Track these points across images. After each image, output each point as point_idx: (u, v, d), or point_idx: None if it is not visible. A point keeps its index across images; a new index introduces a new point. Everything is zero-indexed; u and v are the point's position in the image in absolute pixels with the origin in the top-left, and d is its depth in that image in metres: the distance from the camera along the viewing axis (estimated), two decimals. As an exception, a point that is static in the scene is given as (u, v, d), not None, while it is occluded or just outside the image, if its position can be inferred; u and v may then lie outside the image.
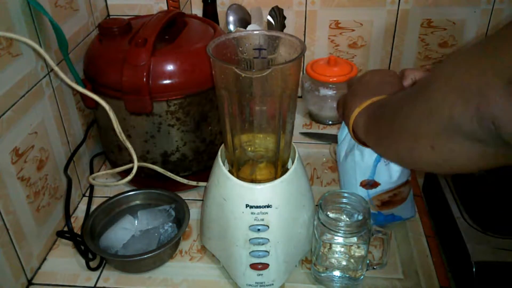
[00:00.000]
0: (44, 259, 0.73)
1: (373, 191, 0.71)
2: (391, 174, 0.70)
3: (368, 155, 0.68)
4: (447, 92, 0.39)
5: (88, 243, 0.68)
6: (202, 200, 0.74)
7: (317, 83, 1.00)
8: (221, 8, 1.02)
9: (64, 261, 0.72)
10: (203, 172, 0.83)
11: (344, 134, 0.72)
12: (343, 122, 0.70)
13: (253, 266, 0.63)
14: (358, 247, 0.64)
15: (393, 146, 0.50)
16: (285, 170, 0.64)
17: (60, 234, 0.74)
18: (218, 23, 0.96)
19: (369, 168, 0.69)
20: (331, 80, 0.98)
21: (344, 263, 0.66)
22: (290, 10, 1.03)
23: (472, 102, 0.35)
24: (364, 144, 0.63)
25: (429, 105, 0.41)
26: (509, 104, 0.33)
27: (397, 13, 1.03)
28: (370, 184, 0.70)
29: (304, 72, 1.04)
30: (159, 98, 0.73)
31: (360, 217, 0.64)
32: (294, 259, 0.67)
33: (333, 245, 0.65)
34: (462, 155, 0.40)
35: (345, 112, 0.64)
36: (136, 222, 0.75)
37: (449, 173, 0.44)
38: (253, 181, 0.62)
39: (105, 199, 0.76)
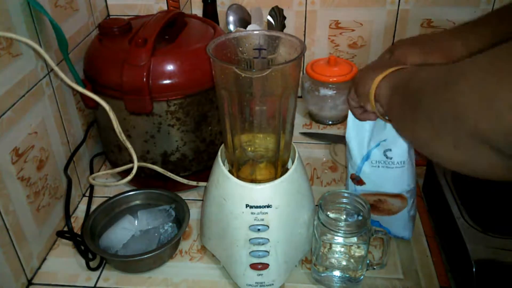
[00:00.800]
0: (44, 259, 0.73)
1: (360, 188, 0.70)
2: (375, 178, 0.69)
3: (358, 152, 0.68)
4: (474, 100, 0.35)
5: (88, 243, 0.68)
6: (202, 200, 0.74)
7: (317, 83, 1.00)
8: (221, 8, 1.02)
9: (64, 261, 0.72)
10: (203, 172, 0.83)
11: (350, 125, 0.70)
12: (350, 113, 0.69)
13: (253, 266, 0.63)
14: (358, 247, 0.64)
15: (414, 133, 0.46)
16: (285, 170, 0.64)
17: (60, 234, 0.74)
18: (218, 23, 0.96)
19: (355, 165, 0.69)
20: (331, 80, 0.98)
21: (344, 263, 0.66)
22: (290, 10, 1.03)
23: (505, 118, 0.32)
24: (389, 120, 0.59)
25: (454, 107, 0.37)
26: None
27: (397, 13, 1.03)
28: (357, 180, 0.70)
29: (304, 72, 1.04)
30: (159, 98, 0.73)
31: (360, 217, 0.64)
32: (294, 259, 0.67)
33: (333, 245, 0.65)
34: (485, 163, 0.38)
35: (360, 89, 0.59)
36: (136, 222, 0.75)
37: (469, 175, 0.41)
38: (253, 181, 0.62)
39: (105, 199, 0.76)
